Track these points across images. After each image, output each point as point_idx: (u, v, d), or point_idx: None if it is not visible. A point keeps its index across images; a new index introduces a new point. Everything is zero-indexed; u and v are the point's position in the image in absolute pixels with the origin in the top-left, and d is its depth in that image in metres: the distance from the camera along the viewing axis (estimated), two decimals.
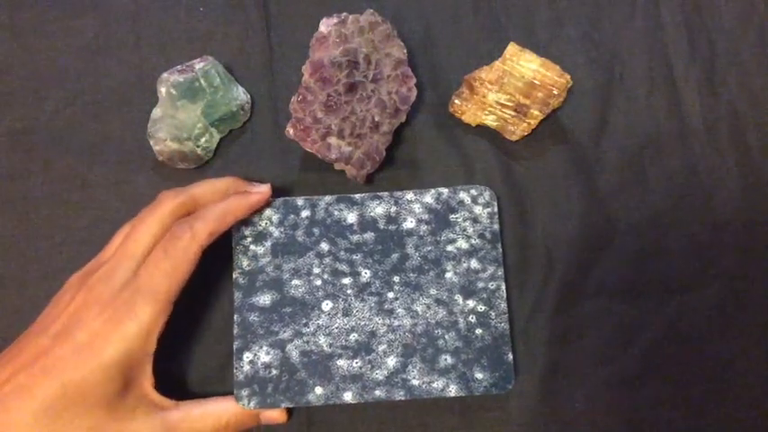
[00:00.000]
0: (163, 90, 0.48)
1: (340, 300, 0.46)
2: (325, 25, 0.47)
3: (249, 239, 0.47)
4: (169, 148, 0.48)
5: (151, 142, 0.49)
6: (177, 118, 0.48)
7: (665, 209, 0.50)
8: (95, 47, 0.53)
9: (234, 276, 0.46)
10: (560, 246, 0.49)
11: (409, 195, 0.47)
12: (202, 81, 0.49)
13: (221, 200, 0.44)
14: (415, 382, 0.45)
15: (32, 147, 0.50)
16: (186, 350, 0.47)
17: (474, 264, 0.47)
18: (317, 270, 0.46)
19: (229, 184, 0.45)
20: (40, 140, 0.51)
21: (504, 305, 0.46)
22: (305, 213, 0.47)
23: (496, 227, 0.47)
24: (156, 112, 0.49)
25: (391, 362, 0.45)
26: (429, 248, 0.47)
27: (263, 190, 0.46)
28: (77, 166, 0.50)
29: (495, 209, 0.48)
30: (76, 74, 0.52)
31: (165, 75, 0.48)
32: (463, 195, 0.48)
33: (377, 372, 0.45)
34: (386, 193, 0.48)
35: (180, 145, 0.48)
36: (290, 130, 0.47)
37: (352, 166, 0.47)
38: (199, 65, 0.49)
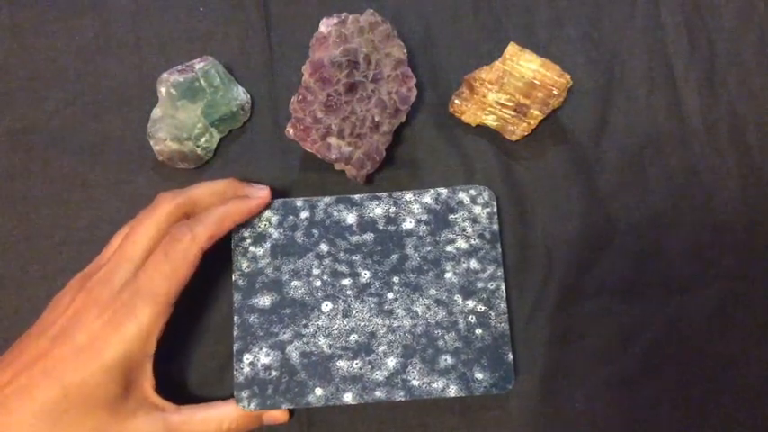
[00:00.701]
0: (163, 90, 0.48)
1: (340, 301, 0.46)
2: (325, 25, 0.47)
3: (248, 241, 0.46)
4: (169, 148, 0.48)
5: (151, 142, 0.49)
6: (177, 118, 0.48)
7: (665, 209, 0.50)
8: (95, 47, 0.53)
9: (233, 278, 0.46)
10: (560, 246, 0.49)
11: (408, 196, 0.47)
12: (202, 81, 0.49)
13: (220, 202, 0.44)
14: (415, 383, 0.45)
15: (32, 147, 0.50)
16: (186, 352, 0.47)
17: (473, 264, 0.47)
18: (316, 271, 0.46)
19: (228, 186, 0.45)
20: (40, 140, 0.51)
21: (503, 305, 0.46)
22: (304, 214, 0.47)
23: (496, 227, 0.47)
24: (156, 112, 0.49)
25: (391, 362, 0.45)
26: (428, 249, 0.47)
27: (262, 195, 0.46)
28: (77, 166, 0.50)
29: (495, 209, 0.48)
30: (76, 74, 0.52)
31: (165, 75, 0.48)
32: (462, 195, 0.48)
33: (377, 372, 0.45)
34: (385, 194, 0.48)
35: (180, 145, 0.48)
36: (290, 130, 0.47)
37: (352, 166, 0.47)
38: (199, 65, 0.49)
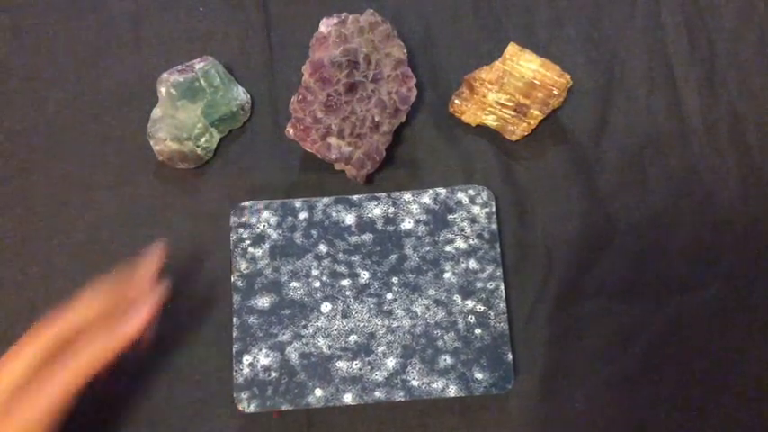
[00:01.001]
0: (163, 90, 0.48)
1: (339, 301, 0.46)
2: (325, 25, 0.47)
3: (247, 242, 0.46)
4: (169, 148, 0.48)
5: (151, 142, 0.49)
6: (177, 118, 0.48)
7: (665, 209, 0.50)
8: (95, 47, 0.53)
9: (232, 279, 0.46)
10: (560, 246, 0.49)
11: (407, 196, 0.47)
12: (202, 81, 0.49)
13: (103, 318, 0.40)
14: (415, 383, 0.45)
15: (32, 147, 0.50)
16: (185, 353, 0.47)
17: (472, 264, 0.46)
18: (315, 272, 0.46)
19: (105, 300, 0.41)
20: (40, 141, 0.51)
21: (502, 305, 0.46)
22: (303, 215, 0.47)
23: (494, 227, 0.47)
24: (156, 112, 0.49)
25: (391, 363, 0.45)
26: (427, 249, 0.47)
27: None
28: (77, 167, 0.50)
29: (493, 209, 0.47)
30: (76, 74, 0.52)
31: (165, 75, 0.48)
32: (461, 195, 0.48)
33: (376, 373, 0.45)
34: (383, 194, 0.47)
35: (180, 145, 0.48)
36: (290, 130, 0.47)
37: (352, 166, 0.47)
38: (199, 65, 0.49)
